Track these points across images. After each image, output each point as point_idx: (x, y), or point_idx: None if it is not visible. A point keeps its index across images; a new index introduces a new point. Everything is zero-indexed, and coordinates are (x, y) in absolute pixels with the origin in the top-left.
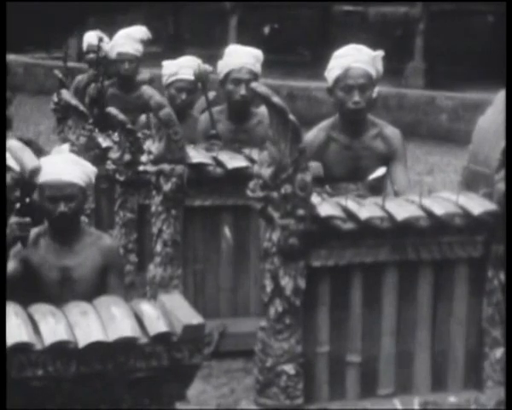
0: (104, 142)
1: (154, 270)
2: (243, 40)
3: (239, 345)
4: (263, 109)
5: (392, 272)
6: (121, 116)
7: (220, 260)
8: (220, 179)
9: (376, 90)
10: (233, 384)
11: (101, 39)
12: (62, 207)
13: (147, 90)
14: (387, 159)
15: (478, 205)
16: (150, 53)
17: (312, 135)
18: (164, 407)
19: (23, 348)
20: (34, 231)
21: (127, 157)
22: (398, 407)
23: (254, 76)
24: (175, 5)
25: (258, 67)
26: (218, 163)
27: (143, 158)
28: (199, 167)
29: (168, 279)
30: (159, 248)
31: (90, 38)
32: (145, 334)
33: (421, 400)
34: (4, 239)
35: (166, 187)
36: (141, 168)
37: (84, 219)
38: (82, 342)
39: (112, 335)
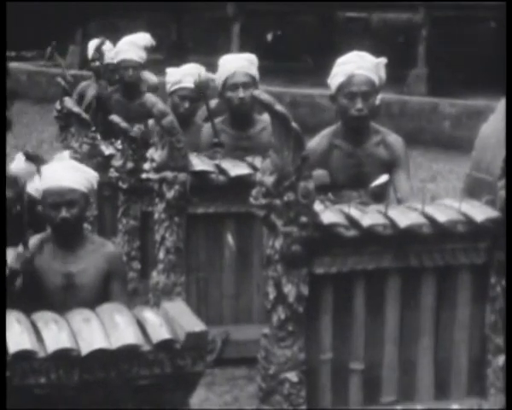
0: (107, 149)
1: (156, 277)
2: (246, 47)
3: (242, 352)
4: (266, 116)
5: (395, 280)
6: (124, 124)
7: (223, 267)
8: (223, 187)
9: (379, 97)
10: (236, 392)
11: (102, 43)
12: (64, 213)
13: (150, 97)
14: (390, 166)
15: (480, 212)
16: (153, 60)
17: (315, 142)
18: None
19: (26, 355)
20: (38, 238)
21: (130, 165)
22: None
23: (250, 78)
24: (178, 12)
25: (253, 70)
26: (221, 171)
27: (146, 166)
28: (202, 175)
29: (171, 287)
30: (162, 255)
31: (96, 45)
32: (148, 341)
33: (424, 407)
34: (4, 240)
35: (169, 194)
36: (144, 176)
37: (87, 226)
38: (85, 349)
39: (115, 342)
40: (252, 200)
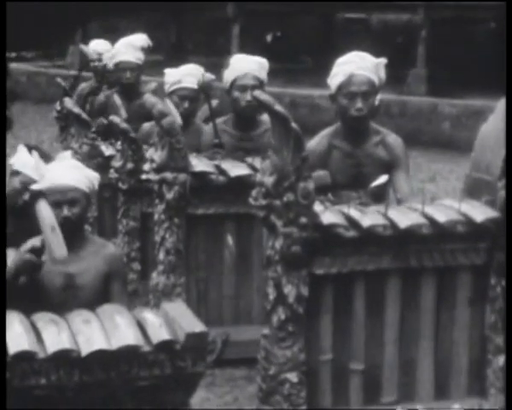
0: (107, 150)
1: (156, 278)
2: (246, 48)
3: (242, 353)
4: (268, 119)
5: (395, 280)
6: (124, 124)
7: (223, 268)
8: (223, 188)
9: (379, 97)
10: (236, 392)
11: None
12: (66, 212)
13: (149, 98)
14: (390, 166)
15: (480, 212)
16: (152, 61)
17: (315, 143)
18: None
19: (26, 356)
20: (39, 238)
21: (130, 166)
22: None
23: (259, 82)
24: (177, 13)
25: (263, 74)
26: (221, 171)
27: (146, 166)
28: (202, 176)
29: (171, 287)
30: (161, 256)
31: (96, 46)
32: (148, 342)
33: (425, 407)
34: (4, 240)
35: (169, 195)
36: (143, 177)
37: (87, 227)
38: (85, 350)
39: (115, 343)
40: (251, 200)
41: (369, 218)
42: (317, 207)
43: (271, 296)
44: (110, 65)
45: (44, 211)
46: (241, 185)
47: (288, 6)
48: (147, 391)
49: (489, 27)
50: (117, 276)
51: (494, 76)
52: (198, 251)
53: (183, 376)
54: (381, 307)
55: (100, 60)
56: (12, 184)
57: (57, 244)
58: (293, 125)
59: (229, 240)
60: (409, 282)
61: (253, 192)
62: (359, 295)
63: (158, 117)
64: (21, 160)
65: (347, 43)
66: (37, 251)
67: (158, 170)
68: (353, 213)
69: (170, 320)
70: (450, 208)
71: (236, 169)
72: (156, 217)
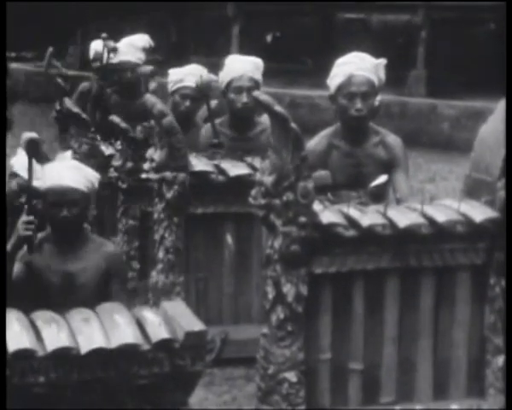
0: (107, 150)
1: (156, 277)
2: (245, 49)
3: (241, 352)
4: (265, 118)
5: (394, 280)
6: (123, 124)
7: (222, 267)
8: (222, 187)
9: (379, 98)
10: (235, 392)
11: (114, 49)
12: (65, 212)
13: (149, 98)
14: (389, 167)
15: (480, 212)
16: (152, 61)
17: (314, 143)
18: None
19: (25, 354)
20: (38, 237)
21: (129, 165)
22: None
23: (255, 83)
24: (177, 13)
25: (258, 75)
26: (221, 171)
27: (146, 166)
28: (201, 175)
29: (170, 286)
30: (161, 255)
31: (98, 46)
32: (147, 341)
33: (423, 407)
34: (4, 240)
35: (169, 195)
36: (143, 176)
37: (86, 226)
38: (84, 348)
39: (114, 341)
40: (251, 200)
41: (369, 217)
42: (317, 206)
43: (270, 295)
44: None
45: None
46: (241, 185)
47: (287, 6)
48: (146, 390)
49: (489, 28)
50: (116, 274)
51: (494, 77)
52: (197, 250)
53: (182, 375)
54: (380, 306)
55: (100, 60)
56: (9, 186)
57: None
58: (293, 125)
59: (229, 239)
60: (408, 282)
61: (253, 191)
62: (358, 294)
63: (158, 117)
64: (20, 162)
65: (347, 44)
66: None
67: (158, 169)
68: (353, 212)
69: (169, 319)
70: (449, 208)
71: (236, 169)
72: (156, 216)
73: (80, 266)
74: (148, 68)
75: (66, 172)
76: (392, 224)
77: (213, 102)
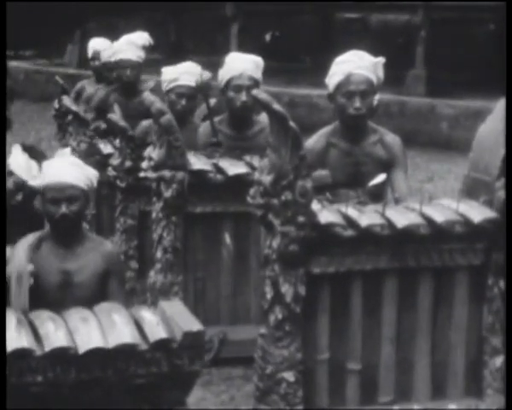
0: (105, 148)
1: (154, 276)
2: (244, 47)
3: (239, 352)
4: (264, 117)
5: (393, 280)
6: (122, 122)
7: (220, 267)
8: (221, 186)
9: (377, 97)
10: (233, 391)
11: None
12: (64, 209)
13: (148, 96)
14: (388, 166)
15: (478, 213)
16: (152, 60)
17: (313, 141)
18: None
19: (23, 353)
20: (36, 235)
21: (128, 164)
22: None
23: (255, 82)
24: (176, 12)
25: (258, 74)
26: (219, 170)
27: (144, 164)
28: (200, 174)
29: (168, 286)
30: (159, 254)
31: (96, 44)
32: (145, 340)
33: (421, 407)
34: (4, 240)
35: (167, 194)
36: (142, 175)
37: (84, 225)
38: (82, 348)
39: (112, 341)
40: (249, 199)
41: (367, 217)
42: (315, 206)
43: (269, 295)
44: (111, 60)
45: (17, 257)
46: (239, 184)
47: (286, 5)
48: (144, 389)
49: (488, 28)
50: (114, 274)
51: (493, 77)
52: (196, 250)
53: (179, 374)
54: (379, 306)
55: (98, 58)
56: (6, 184)
57: (19, 296)
58: (292, 124)
59: (227, 239)
60: (406, 282)
61: (251, 191)
62: (356, 294)
63: (156, 115)
64: (16, 161)
65: (346, 43)
66: None
67: (156, 168)
68: (351, 212)
69: (167, 319)
70: (447, 208)
71: (234, 168)
72: (154, 215)
73: (78, 265)
74: (151, 83)
75: (66, 168)
76: (390, 224)
77: (212, 101)
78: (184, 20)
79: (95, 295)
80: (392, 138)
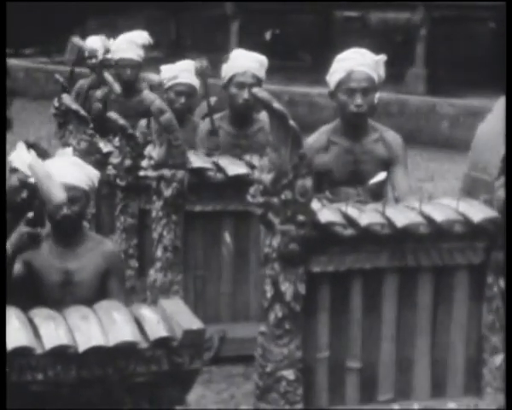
0: (105, 147)
1: (154, 275)
2: (244, 45)
3: (239, 350)
4: (264, 116)
5: (392, 279)
6: (122, 121)
7: (220, 265)
8: (221, 185)
9: (377, 96)
10: (233, 390)
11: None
12: (65, 210)
13: (148, 95)
14: (388, 164)
15: (478, 212)
16: (151, 58)
17: (313, 139)
18: None
19: (23, 352)
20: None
21: (128, 162)
22: None
23: (258, 81)
24: (176, 10)
25: (262, 73)
26: (219, 169)
27: (144, 163)
28: (200, 173)
29: (168, 284)
30: (159, 253)
31: (93, 42)
32: (145, 339)
33: (421, 405)
34: (4, 240)
35: (167, 192)
36: (141, 173)
37: (85, 224)
38: (82, 346)
39: (112, 339)
40: (249, 198)
41: (367, 216)
42: (315, 205)
43: (268, 294)
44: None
45: (35, 164)
46: (239, 183)
47: (286, 4)
48: (144, 387)
49: (488, 27)
50: (115, 273)
51: (493, 76)
52: (196, 248)
53: (180, 373)
54: (378, 305)
55: (95, 57)
56: (10, 181)
57: (56, 189)
58: (292, 122)
59: (227, 237)
60: (406, 280)
61: (251, 190)
62: (356, 293)
63: (156, 114)
64: (20, 157)
65: (346, 42)
66: (32, 221)
67: (156, 167)
68: (351, 211)
69: (167, 317)
70: (447, 207)
71: (234, 167)
72: (154, 214)
73: (79, 263)
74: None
75: (68, 169)
76: (390, 223)
77: (212, 100)
78: (184, 18)
79: (95, 293)
80: (393, 137)
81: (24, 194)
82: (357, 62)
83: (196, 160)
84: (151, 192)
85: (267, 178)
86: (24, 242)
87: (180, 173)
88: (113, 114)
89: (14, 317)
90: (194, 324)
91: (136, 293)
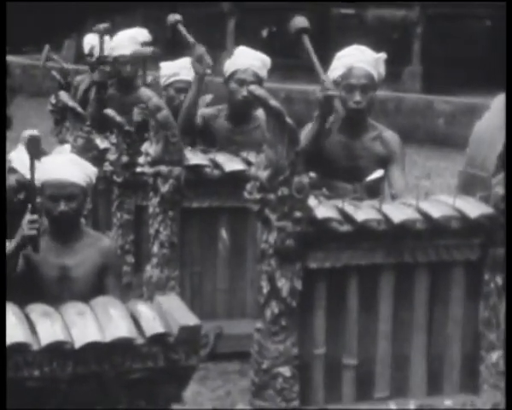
0: (102, 143)
1: (150, 271)
2: (241, 43)
3: (235, 347)
4: (261, 113)
5: (389, 275)
6: (119, 118)
7: (217, 261)
8: (218, 181)
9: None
10: (229, 386)
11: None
12: (63, 207)
13: (145, 91)
14: (385, 162)
15: (475, 208)
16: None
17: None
18: (160, 408)
19: (19, 348)
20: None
21: (125, 159)
22: None
23: (258, 79)
24: (173, 8)
25: (263, 72)
26: (216, 165)
27: (141, 160)
28: (196, 169)
29: (165, 281)
30: (156, 249)
31: (91, 40)
32: (141, 335)
33: (417, 403)
34: (4, 240)
35: (164, 189)
36: (138, 170)
37: (82, 220)
38: (78, 342)
39: (108, 335)
40: (246, 194)
41: (364, 212)
42: (312, 201)
43: (265, 290)
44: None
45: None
46: (236, 179)
47: (283, 2)
48: (140, 384)
49: (484, 24)
50: (111, 269)
51: (489, 73)
52: (192, 244)
53: (176, 369)
54: (375, 301)
55: (92, 55)
56: (8, 182)
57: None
58: (288, 120)
59: (224, 234)
60: (402, 277)
61: (248, 186)
62: (353, 289)
63: (153, 111)
64: (19, 158)
65: (342, 39)
66: (33, 222)
67: (153, 163)
68: (347, 207)
69: (163, 313)
70: (444, 204)
71: (231, 163)
72: (151, 210)
73: (76, 260)
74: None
75: (66, 166)
76: (387, 219)
77: (208, 97)
78: (181, 15)
79: (92, 289)
80: (391, 135)
81: (21, 195)
82: (357, 59)
83: (193, 156)
84: (148, 188)
85: (264, 174)
86: (24, 241)
87: (177, 170)
88: (110, 111)
89: (10, 313)
90: (191, 320)
91: (133, 289)
